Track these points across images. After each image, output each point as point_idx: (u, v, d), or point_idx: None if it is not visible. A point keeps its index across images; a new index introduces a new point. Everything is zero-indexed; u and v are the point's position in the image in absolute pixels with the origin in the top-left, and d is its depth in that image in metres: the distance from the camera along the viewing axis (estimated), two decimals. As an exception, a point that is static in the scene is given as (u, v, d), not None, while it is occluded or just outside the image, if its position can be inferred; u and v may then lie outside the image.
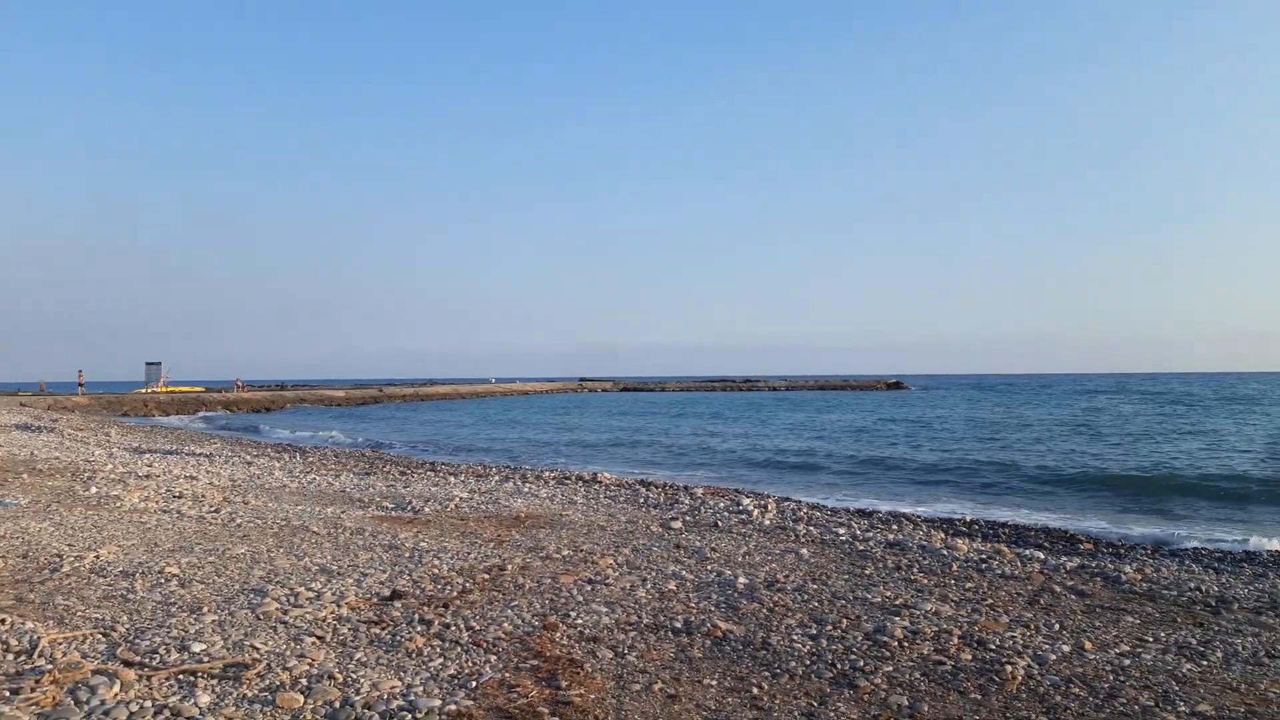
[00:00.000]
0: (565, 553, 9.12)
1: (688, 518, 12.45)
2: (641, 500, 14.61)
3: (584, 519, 11.88)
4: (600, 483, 17.63)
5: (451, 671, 5.27)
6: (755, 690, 5.10)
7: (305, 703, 4.70)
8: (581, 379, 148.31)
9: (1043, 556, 10.27)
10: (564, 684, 5.08)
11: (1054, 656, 5.86)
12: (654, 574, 8.23)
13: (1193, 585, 8.49)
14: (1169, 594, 8.04)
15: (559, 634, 6.12)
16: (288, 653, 5.50)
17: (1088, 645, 6.19)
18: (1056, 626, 6.79)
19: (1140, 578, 8.78)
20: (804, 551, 9.89)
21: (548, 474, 19.52)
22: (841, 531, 11.63)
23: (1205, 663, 5.85)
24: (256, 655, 5.43)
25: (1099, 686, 5.28)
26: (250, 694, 4.78)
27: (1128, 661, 5.81)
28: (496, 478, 18.35)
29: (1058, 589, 8.21)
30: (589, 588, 7.56)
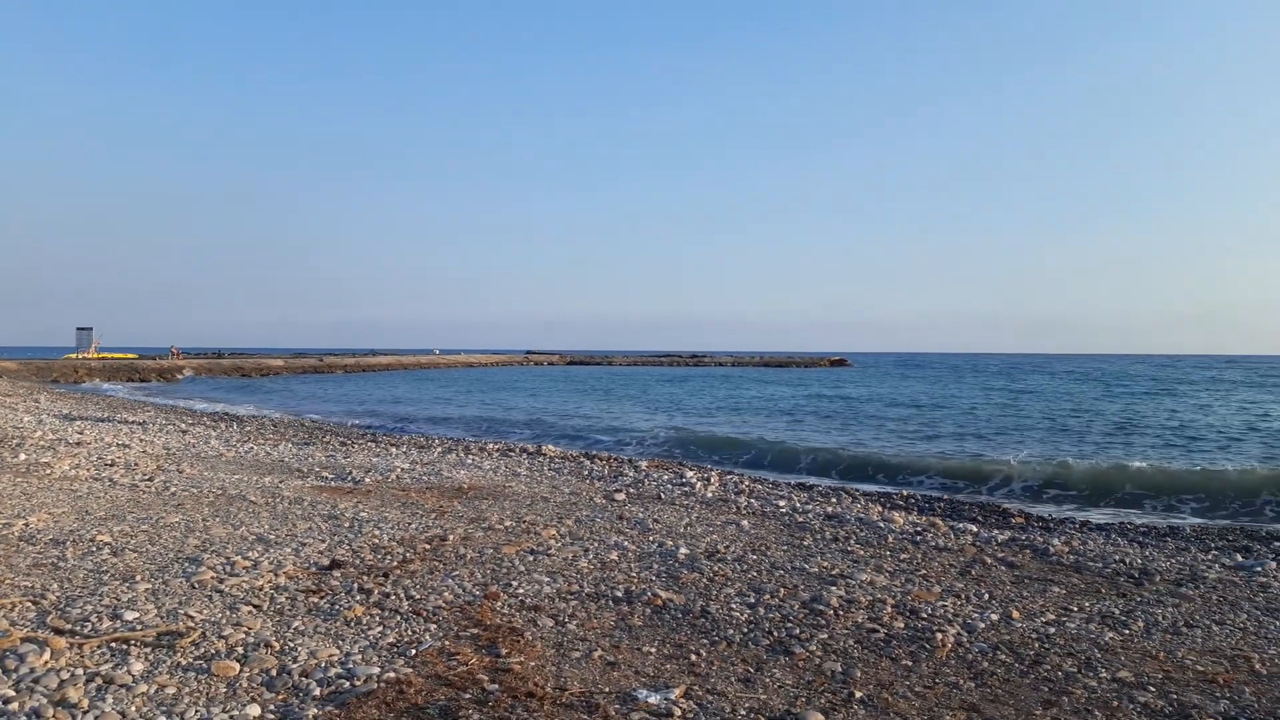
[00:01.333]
0: (508, 524, 9.12)
1: (631, 490, 12.51)
2: (586, 472, 14.64)
3: (527, 490, 11.88)
4: (544, 455, 17.62)
5: (391, 640, 5.26)
6: (693, 657, 5.17)
7: (241, 670, 4.66)
8: (528, 352, 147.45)
9: (975, 529, 10.51)
10: (504, 652, 5.09)
11: (983, 625, 6.02)
12: (596, 544, 8.27)
13: (1117, 558, 8.76)
14: (1094, 566, 8.29)
15: (500, 603, 6.13)
16: (223, 621, 5.45)
17: (1015, 614, 6.37)
18: (986, 596, 6.97)
19: (1068, 550, 9.04)
20: (745, 523, 10.00)
21: (491, 446, 19.45)
22: (782, 504, 11.78)
23: (1127, 631, 6.06)
24: (191, 624, 5.36)
25: (1025, 654, 5.44)
26: (185, 662, 4.73)
27: (1053, 630, 6.00)
28: (439, 449, 18.24)
29: (989, 560, 8.42)
30: (531, 558, 7.57)
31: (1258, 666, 5.34)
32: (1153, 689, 4.87)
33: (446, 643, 5.25)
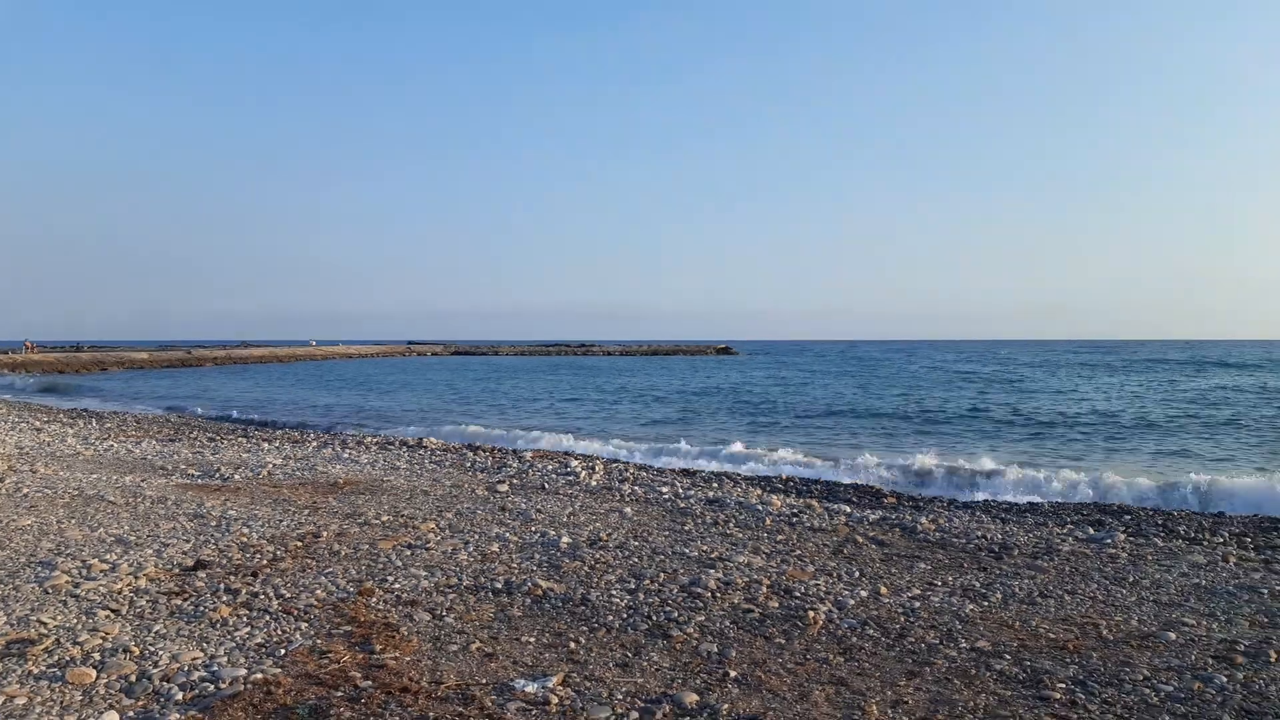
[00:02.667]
0: (385, 518, 8.94)
1: (515, 480, 12.42)
2: (468, 464, 14.46)
3: (407, 484, 11.66)
4: (426, 448, 17.33)
5: (259, 640, 5.10)
6: (573, 645, 5.18)
7: (98, 677, 4.45)
8: (410, 342, 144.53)
9: (849, 510, 10.84)
10: (378, 648, 5.00)
11: (852, 601, 6.22)
12: (477, 536, 8.19)
13: (980, 534, 9.18)
14: (958, 542, 8.66)
15: (375, 599, 6.00)
16: (79, 627, 5.19)
17: (883, 590, 6.60)
18: (856, 574, 7.20)
19: (934, 528, 9.42)
20: (628, 510, 10.06)
21: (370, 439, 19.02)
22: (665, 490, 11.90)
23: (986, 603, 6.35)
24: (44, 630, 5.10)
25: (891, 627, 5.64)
26: (37, 670, 4.49)
27: (918, 604, 6.24)
28: (314, 443, 17.72)
29: (860, 539, 8.70)
30: (409, 552, 7.44)
31: (1105, 633, 5.67)
32: (1008, 657, 5.12)
33: (318, 641, 5.12)
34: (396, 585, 6.36)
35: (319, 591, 6.14)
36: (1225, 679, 4.78)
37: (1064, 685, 4.65)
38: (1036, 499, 14.49)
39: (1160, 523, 11.42)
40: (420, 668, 4.73)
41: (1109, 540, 8.99)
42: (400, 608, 5.84)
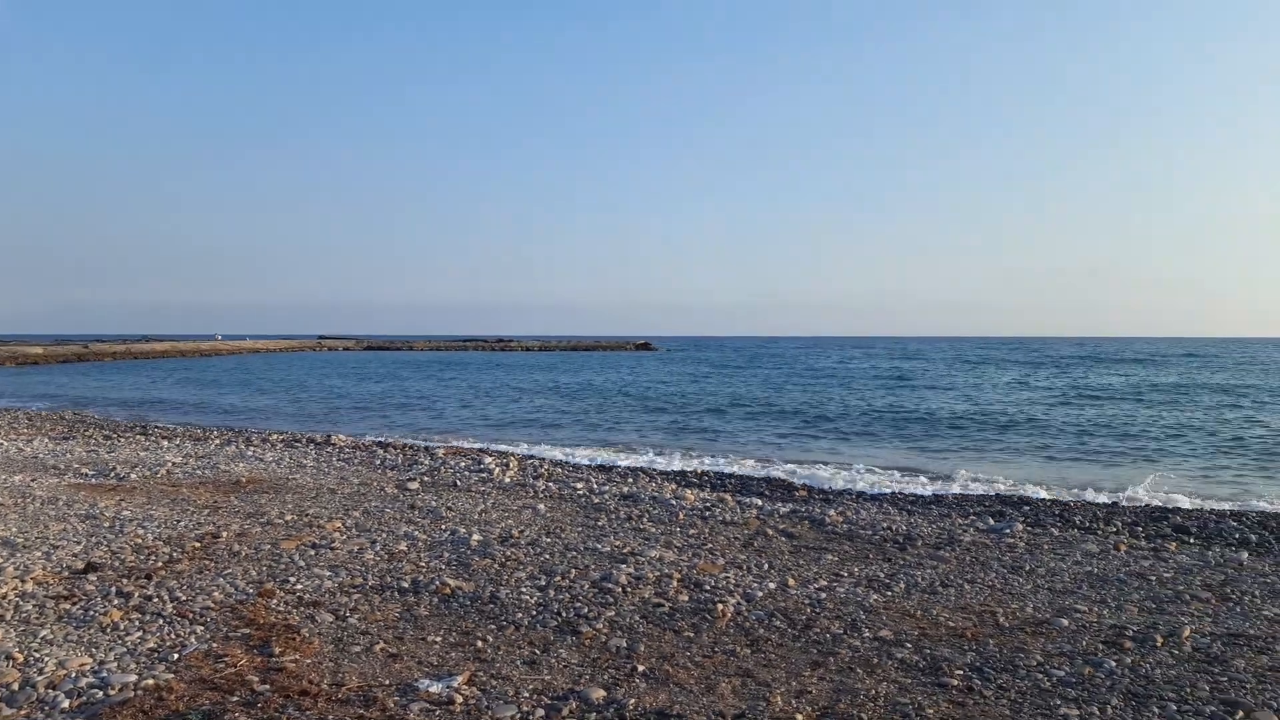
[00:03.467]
0: (289, 518, 8.71)
1: (426, 478, 12.23)
2: (378, 462, 14.19)
3: (313, 482, 11.39)
4: (334, 445, 16.96)
5: (151, 645, 4.92)
6: (480, 643, 5.12)
7: (-24, 688, 4.23)
8: (320, 337, 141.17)
9: (760, 503, 10.97)
10: (277, 650, 4.86)
11: (761, 593, 6.29)
12: (385, 535, 8.03)
13: (885, 525, 9.37)
14: (865, 533, 8.83)
15: (275, 600, 5.84)
16: (-46, 636, 4.92)
17: (791, 582, 6.69)
18: (766, 566, 7.29)
19: (842, 520, 9.59)
20: (541, 507, 10.00)
21: (275, 436, 18.52)
22: (579, 486, 11.86)
23: (889, 593, 6.49)
24: (-87, 642, 4.81)
25: (798, 618, 5.72)
26: (-97, 684, 4.24)
27: (824, 595, 6.34)
28: (217, 441, 17.18)
29: (770, 532, 8.80)
30: (313, 552, 7.26)
31: (1002, 620, 5.84)
32: (909, 645, 5.23)
33: (214, 645, 4.95)
34: (299, 586, 6.20)
35: (216, 594, 5.95)
36: (1114, 664, 4.96)
37: (962, 672, 4.78)
38: (942, 491, 14.87)
39: (1058, 513, 11.83)
40: (321, 670, 4.62)
41: (1008, 530, 9.27)
42: (302, 609, 5.69)
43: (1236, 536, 10.30)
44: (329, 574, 6.56)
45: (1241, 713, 4.27)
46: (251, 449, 15.67)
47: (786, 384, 44.43)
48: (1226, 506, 13.22)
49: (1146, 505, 13.27)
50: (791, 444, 21.31)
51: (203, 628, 5.25)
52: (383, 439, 19.63)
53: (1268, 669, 4.94)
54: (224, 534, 7.82)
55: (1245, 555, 8.49)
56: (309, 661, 4.74)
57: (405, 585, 6.30)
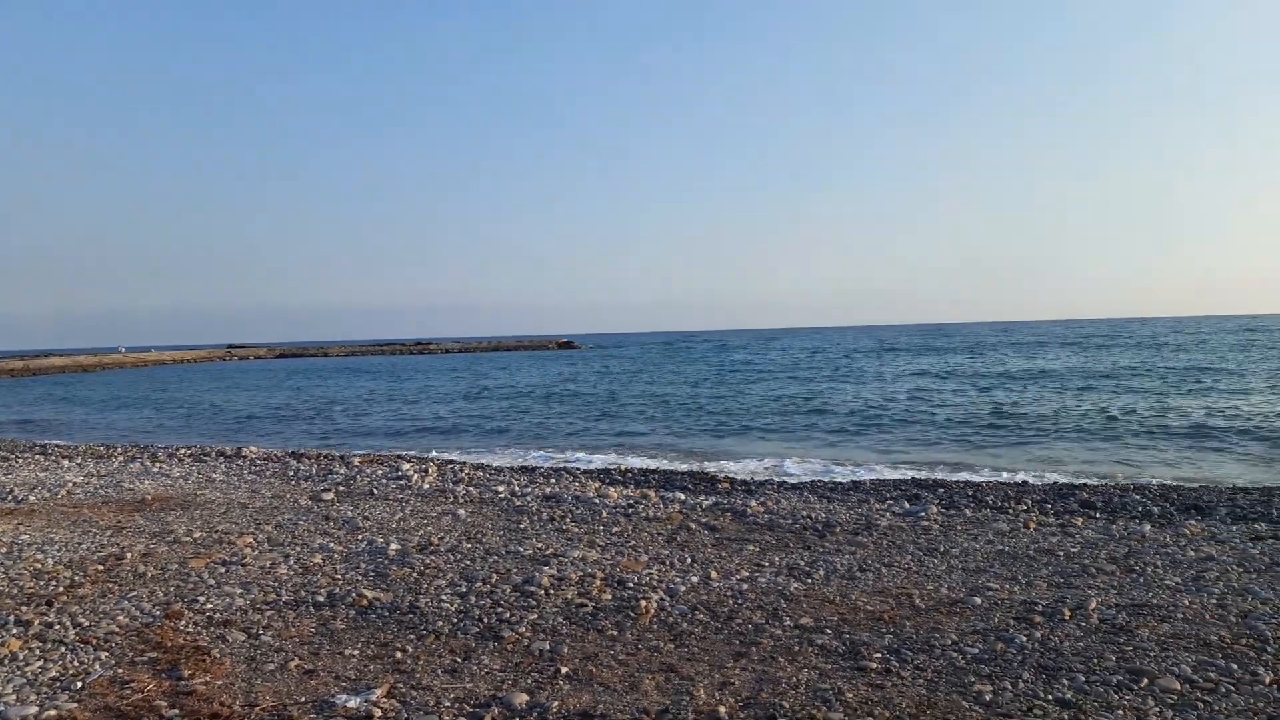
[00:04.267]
0: (198, 535, 8.42)
1: (341, 488, 11.97)
2: (291, 473, 13.83)
3: (223, 497, 11.04)
4: (245, 457, 16.48)
5: (53, 674, 4.71)
6: (399, 654, 5.02)
7: None
8: (230, 346, 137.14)
9: (683, 497, 11.01)
10: (187, 673, 4.69)
11: (684, 588, 6.30)
12: (299, 549, 7.83)
13: (806, 514, 9.49)
14: (786, 523, 8.93)
15: (184, 621, 5.64)
16: None
17: (714, 575, 6.73)
18: (689, 560, 7.31)
19: (763, 510, 9.68)
20: (462, 512, 9.86)
21: (183, 451, 17.91)
22: (501, 489, 11.74)
23: (809, 581, 6.57)
24: None
25: (720, 611, 5.75)
26: None
27: (746, 586, 6.39)
28: (121, 458, 16.54)
29: (693, 526, 8.84)
30: (223, 569, 7.04)
31: (918, 601, 5.96)
32: (829, 631, 5.30)
33: (120, 670, 4.76)
34: (209, 605, 6.00)
35: (121, 617, 5.72)
36: (1025, 639, 5.11)
37: (880, 655, 4.86)
38: (860, 477, 15.14)
39: (971, 494, 12.16)
40: (233, 691, 4.47)
41: (923, 513, 9.48)
42: (212, 629, 5.51)
43: (1140, 510, 10.71)
44: (240, 591, 6.36)
45: (1146, 680, 4.43)
46: (158, 465, 15.13)
47: (706, 379, 44.77)
48: (1128, 481, 13.76)
49: (1055, 483, 13.74)
50: (713, 436, 21.47)
51: (107, 653, 5.05)
52: (296, 449, 19.15)
53: (1169, 637, 5.13)
54: (129, 555, 7.53)
55: (1148, 527, 8.82)
56: (220, 683, 4.58)
57: (321, 599, 6.14)
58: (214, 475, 13.48)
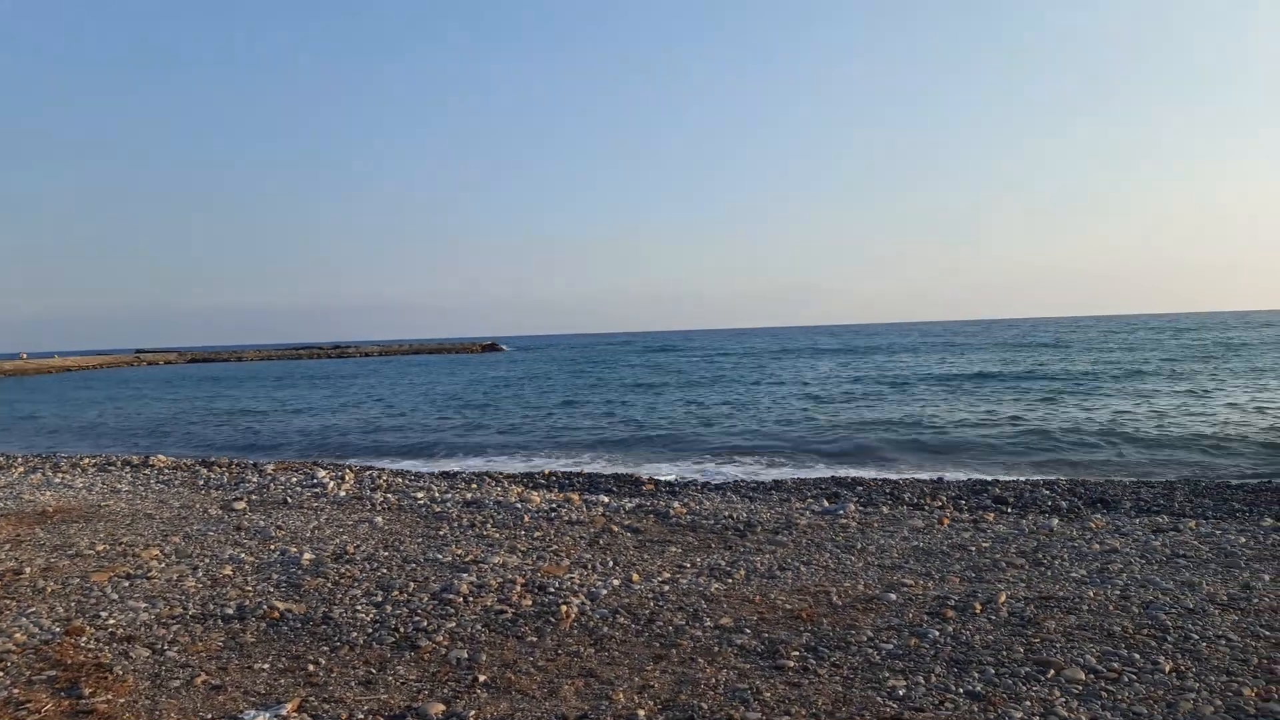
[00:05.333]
0: (101, 548, 8.10)
1: (254, 496, 11.65)
2: (201, 482, 13.42)
3: (129, 508, 10.65)
4: (152, 466, 15.94)
5: (-59, 700, 4.46)
6: (311, 667, 4.89)
7: None
8: (139, 350, 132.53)
9: (607, 500, 11.00)
10: (87, 691, 4.50)
11: (605, 591, 6.28)
12: (208, 560, 7.59)
13: (728, 514, 9.57)
14: (708, 523, 8.98)
15: (85, 638, 5.41)
16: None
17: (635, 577, 6.72)
18: (610, 563, 7.30)
19: (686, 511, 9.72)
20: (379, 519, 9.69)
21: (87, 460, 17.24)
22: (420, 495, 11.57)
23: (730, 581, 6.61)
24: None
25: (641, 614, 5.74)
26: None
27: (667, 588, 6.40)
28: (21, 469, 15.85)
29: (616, 529, 8.83)
30: (127, 583, 6.78)
31: (835, 599, 6.04)
32: (749, 631, 5.34)
33: (17, 690, 4.54)
34: (111, 621, 5.77)
35: (18, 635, 5.46)
36: (938, 633, 5.21)
37: (798, 653, 4.91)
38: (781, 477, 15.33)
39: (889, 491, 12.41)
40: (137, 709, 4.30)
41: (841, 511, 9.63)
42: (115, 645, 5.30)
43: (1049, 504, 11.06)
44: (145, 605, 6.14)
45: (1052, 671, 4.55)
46: (60, 475, 14.54)
47: (632, 381, 44.85)
48: (1038, 476, 14.19)
49: (969, 479, 14.10)
50: (640, 438, 21.50)
51: (3, 673, 4.81)
52: (207, 458, 18.60)
53: (1075, 628, 5.29)
54: (27, 569, 7.21)
55: (1056, 521, 9.11)
56: (123, 701, 4.41)
57: (230, 611, 5.96)
58: (120, 486, 13.01)
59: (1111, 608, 5.70)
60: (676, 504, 10.51)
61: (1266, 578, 6.46)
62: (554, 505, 10.48)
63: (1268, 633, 5.09)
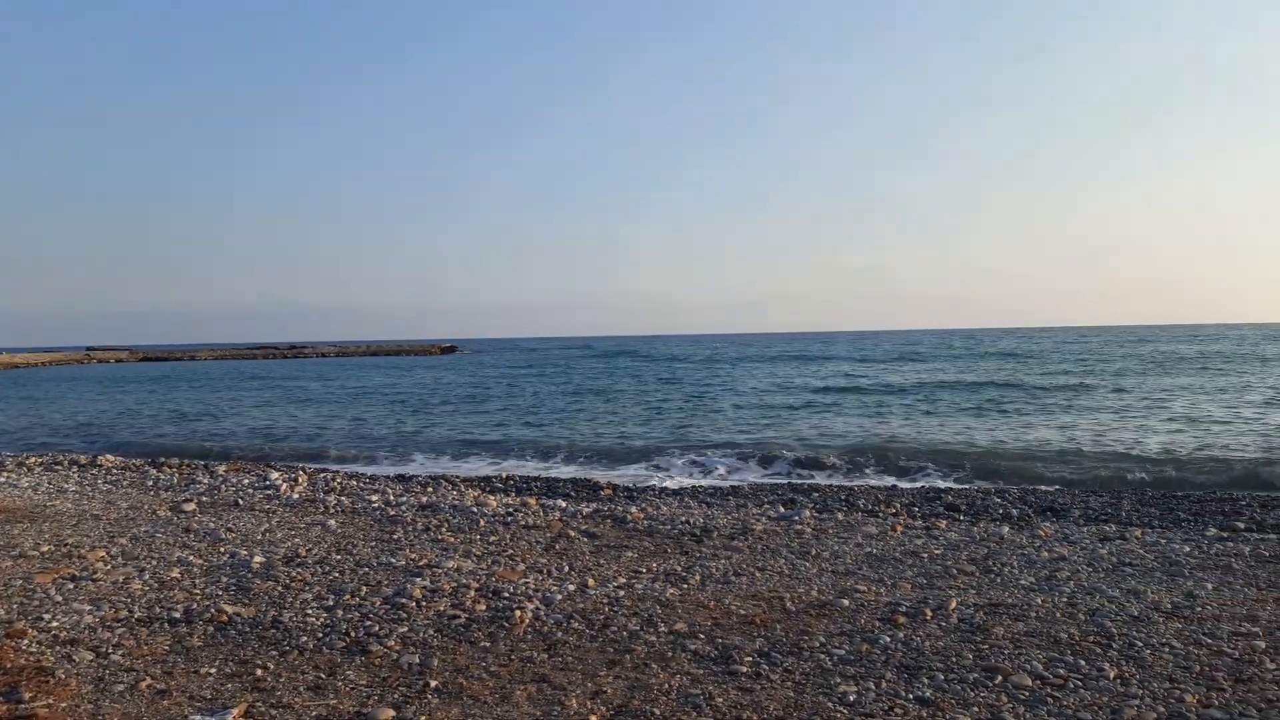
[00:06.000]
0: (45, 549, 7.93)
1: (204, 498, 11.47)
2: (150, 483, 13.17)
3: (75, 508, 10.43)
4: (100, 466, 15.63)
5: None
6: (259, 672, 4.82)
7: None
8: (89, 348, 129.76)
9: (564, 505, 10.98)
10: (28, 696, 4.40)
11: (560, 596, 6.27)
12: (155, 562, 7.46)
13: (684, 519, 9.59)
14: (665, 529, 8.99)
15: (26, 641, 5.29)
16: None
17: (590, 582, 6.71)
18: (566, 568, 7.28)
19: (643, 516, 9.73)
20: (332, 523, 9.58)
21: (33, 459, 16.86)
22: (374, 499, 11.46)
23: (685, 586, 6.63)
24: None
25: (595, 619, 5.73)
26: None
27: (622, 593, 6.39)
28: (-37, 469, 15.47)
29: (573, 533, 8.81)
30: (71, 585, 6.64)
31: (789, 605, 6.08)
32: (702, 636, 5.35)
33: (-49, 696, 4.43)
34: (54, 623, 5.65)
35: (-46, 639, 5.33)
36: (889, 639, 5.26)
37: (751, 659, 4.93)
38: (739, 482, 15.40)
39: (844, 498, 12.53)
40: (79, 713, 4.22)
41: (797, 517, 9.69)
42: (58, 648, 5.19)
43: (1000, 512, 11.22)
44: (90, 608, 6.01)
45: (1000, 677, 4.62)
46: (4, 474, 14.19)
47: (592, 384, 44.80)
48: (990, 485, 14.39)
49: (923, 487, 14.27)
50: (599, 444, 21.47)
51: (-65, 679, 4.69)
52: (156, 459, 18.28)
53: (1023, 635, 5.37)
54: (-35, 572, 7.04)
55: (1006, 529, 9.23)
56: (65, 705, 4.32)
57: (177, 615, 5.86)
58: (66, 485, 12.74)
59: (1059, 615, 5.79)
60: (634, 509, 10.51)
61: (1209, 586, 6.60)
62: (511, 509, 10.43)
63: (1210, 640, 5.21)
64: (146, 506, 10.68)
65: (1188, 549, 8.02)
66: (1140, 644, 5.14)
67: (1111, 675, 4.64)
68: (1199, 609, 5.92)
